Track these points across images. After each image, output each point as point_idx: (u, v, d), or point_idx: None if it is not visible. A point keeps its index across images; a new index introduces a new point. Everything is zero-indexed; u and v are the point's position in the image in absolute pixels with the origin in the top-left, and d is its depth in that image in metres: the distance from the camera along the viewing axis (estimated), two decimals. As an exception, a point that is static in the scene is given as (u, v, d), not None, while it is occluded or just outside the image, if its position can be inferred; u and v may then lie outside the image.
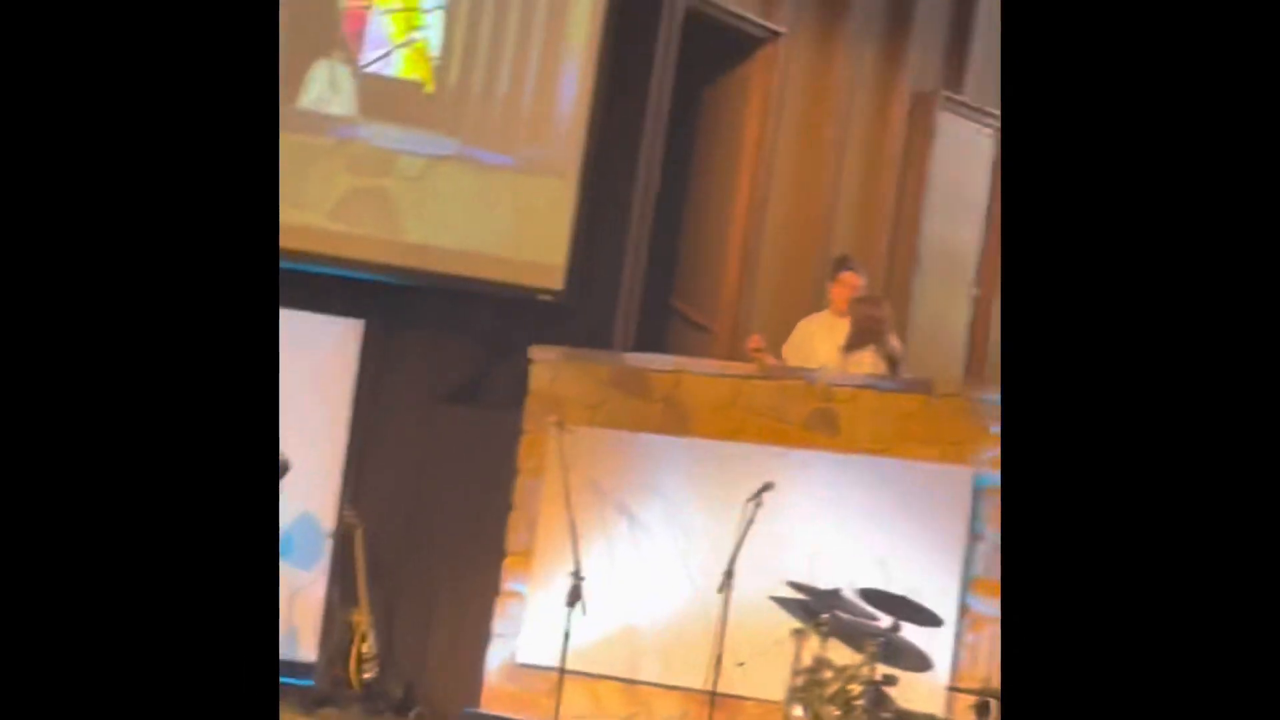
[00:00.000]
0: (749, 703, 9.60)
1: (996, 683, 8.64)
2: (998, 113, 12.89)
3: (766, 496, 9.04)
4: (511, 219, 10.89)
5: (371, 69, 10.72)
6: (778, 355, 10.42)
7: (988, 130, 12.92)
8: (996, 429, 9.48)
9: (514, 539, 10.48)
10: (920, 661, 8.55)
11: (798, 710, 8.29)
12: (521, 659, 10.29)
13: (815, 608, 8.59)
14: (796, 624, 8.60)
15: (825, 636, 8.47)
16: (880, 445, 9.76)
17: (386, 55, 10.71)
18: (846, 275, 10.55)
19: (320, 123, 10.57)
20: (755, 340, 10.44)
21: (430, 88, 10.74)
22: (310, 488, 10.37)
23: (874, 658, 8.14)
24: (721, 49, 12.03)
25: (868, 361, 10.07)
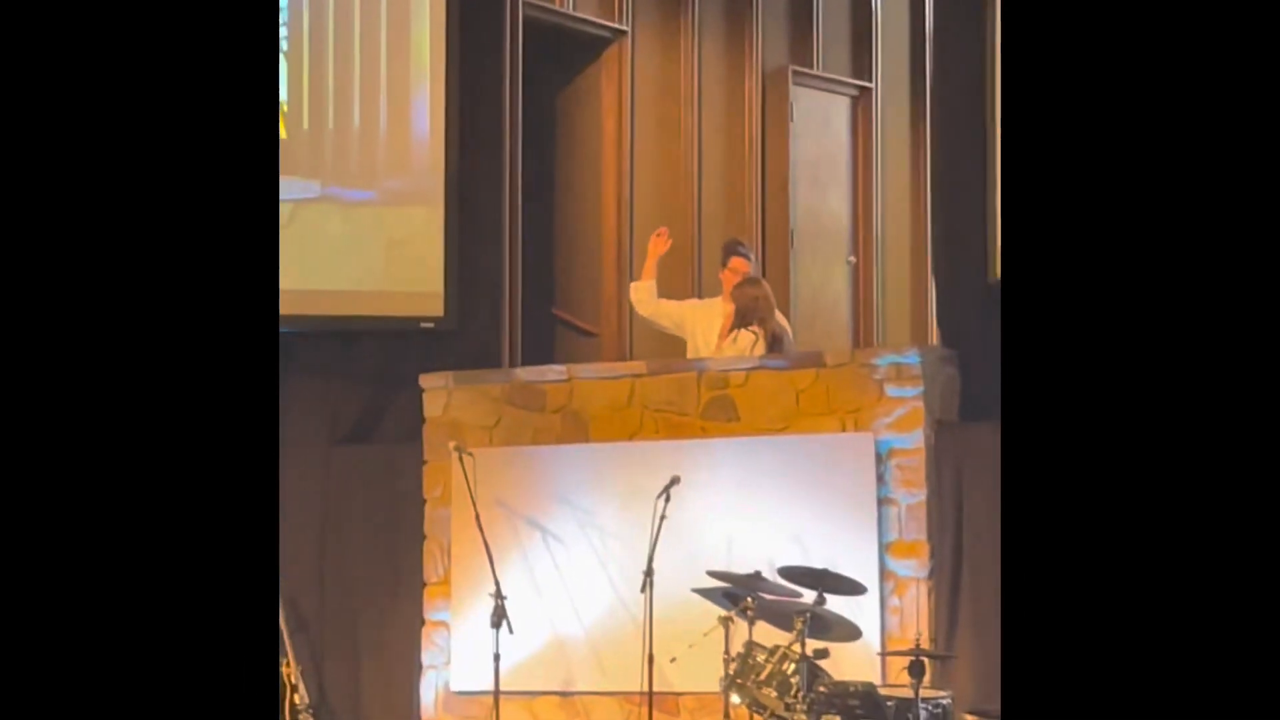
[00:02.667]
0: (687, 697, 9.64)
1: (926, 642, 8.72)
2: (849, 80, 13.00)
3: (675, 491, 9.07)
4: (384, 253, 10.88)
5: (222, 124, 10.65)
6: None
7: (842, 99, 13.01)
8: (891, 392, 9.56)
9: (431, 568, 10.46)
10: (849, 631, 8.60)
11: (735, 697, 8.32)
12: (455, 687, 10.27)
13: (738, 593, 8.63)
14: (722, 612, 8.63)
15: (752, 620, 8.51)
16: (780, 424, 9.81)
17: (235, 109, 10.65)
18: (734, 261, 10.59)
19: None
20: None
21: (284, 134, 10.70)
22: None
23: (803, 634, 8.17)
24: (568, 55, 12.07)
25: (745, 342, 10.12)
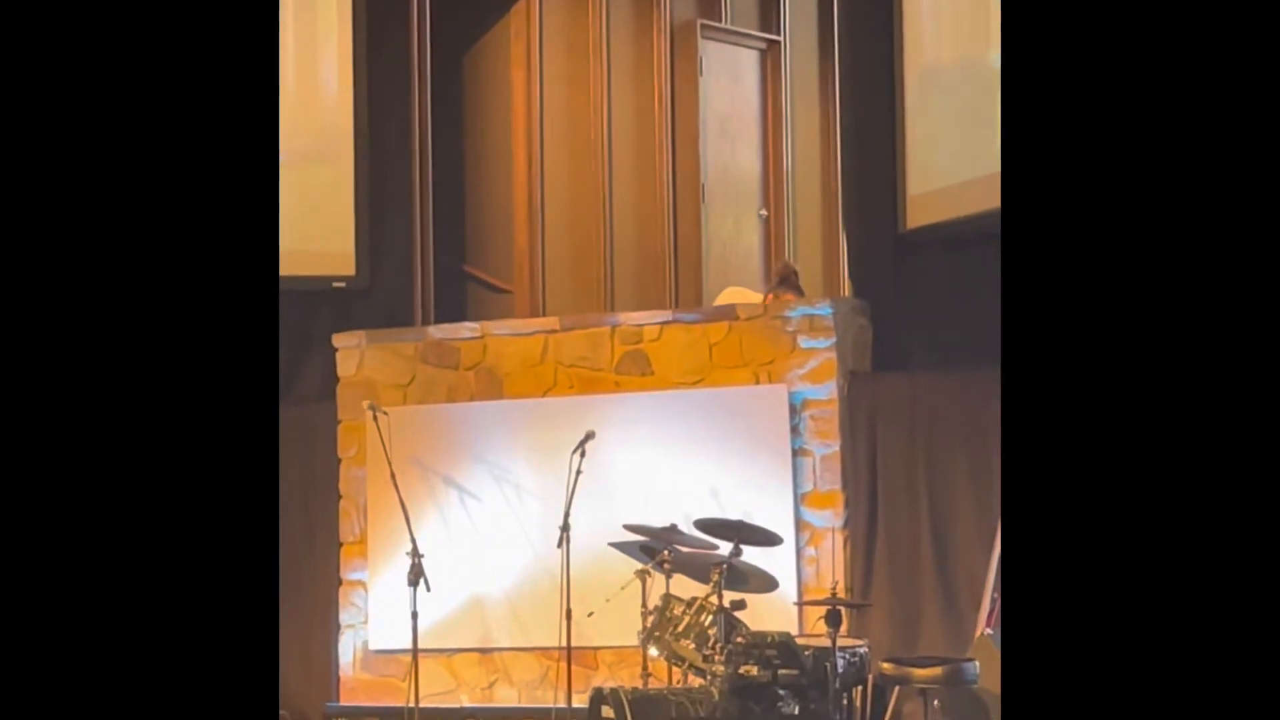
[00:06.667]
0: (605, 651, 9.68)
1: (842, 592, 8.77)
2: (758, 34, 12.98)
3: (590, 445, 9.09)
4: (293, 212, 10.76)
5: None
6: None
7: (750, 53, 13.00)
8: (804, 343, 9.60)
9: (347, 528, 10.45)
10: (766, 582, 8.64)
11: (653, 650, 8.34)
12: (374, 645, 10.27)
13: (654, 546, 8.66)
14: (639, 565, 8.66)
15: (669, 573, 8.54)
16: (694, 377, 9.84)
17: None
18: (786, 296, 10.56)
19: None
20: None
21: (191, 94, 10.60)
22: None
23: (720, 586, 8.20)
24: (476, 11, 12.01)
25: (788, 298, 10.15)
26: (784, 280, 10.53)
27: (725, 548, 8.55)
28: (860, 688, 8.44)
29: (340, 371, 10.56)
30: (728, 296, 10.67)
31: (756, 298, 10.48)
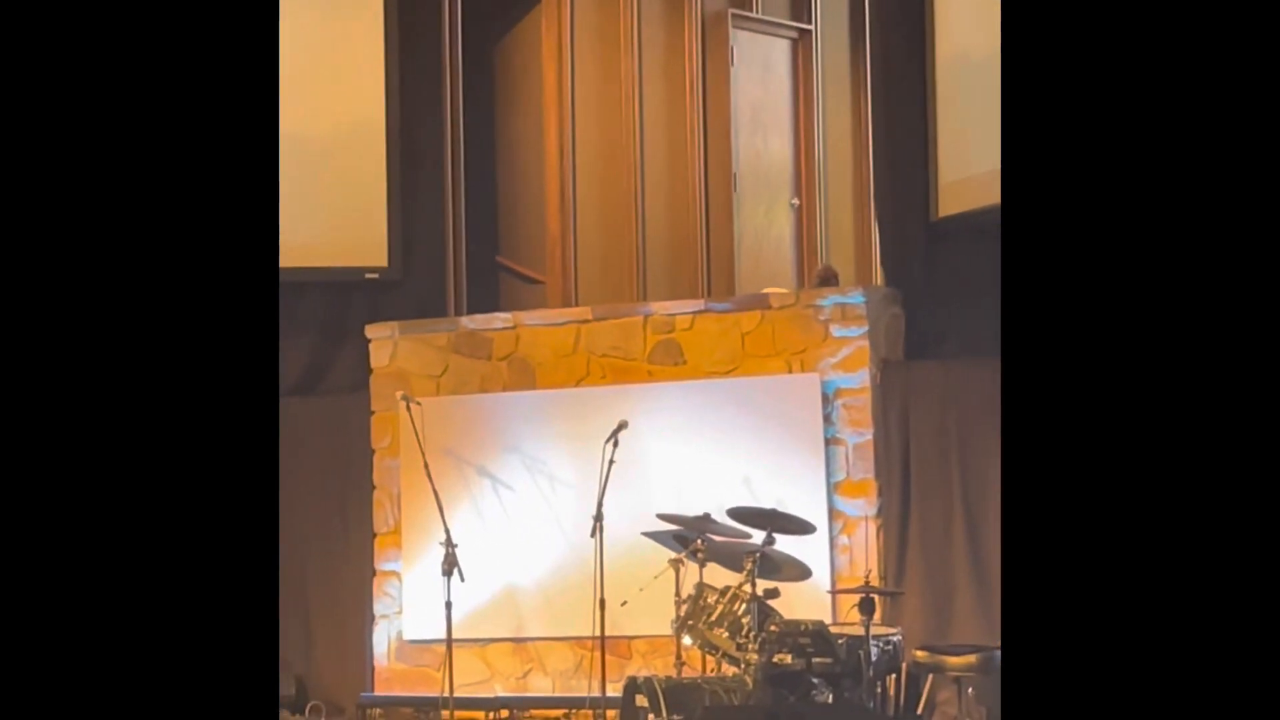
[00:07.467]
0: (639, 640, 9.68)
1: (875, 580, 8.76)
2: (789, 23, 12.97)
3: (623, 435, 9.09)
4: (327, 204, 10.85)
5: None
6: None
7: (782, 42, 12.99)
8: (837, 332, 9.59)
9: (381, 518, 10.47)
10: (799, 570, 8.63)
11: (687, 639, 8.35)
12: (408, 635, 10.29)
13: (688, 535, 8.65)
14: (672, 554, 8.66)
15: (702, 562, 8.54)
16: (726, 366, 9.84)
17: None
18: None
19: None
20: None
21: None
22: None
23: (753, 574, 8.20)
24: (507, 3, 12.03)
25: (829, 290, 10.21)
26: (825, 283, 10.58)
27: (758, 536, 8.55)
28: (894, 676, 8.44)
29: (373, 362, 10.58)
30: None
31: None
